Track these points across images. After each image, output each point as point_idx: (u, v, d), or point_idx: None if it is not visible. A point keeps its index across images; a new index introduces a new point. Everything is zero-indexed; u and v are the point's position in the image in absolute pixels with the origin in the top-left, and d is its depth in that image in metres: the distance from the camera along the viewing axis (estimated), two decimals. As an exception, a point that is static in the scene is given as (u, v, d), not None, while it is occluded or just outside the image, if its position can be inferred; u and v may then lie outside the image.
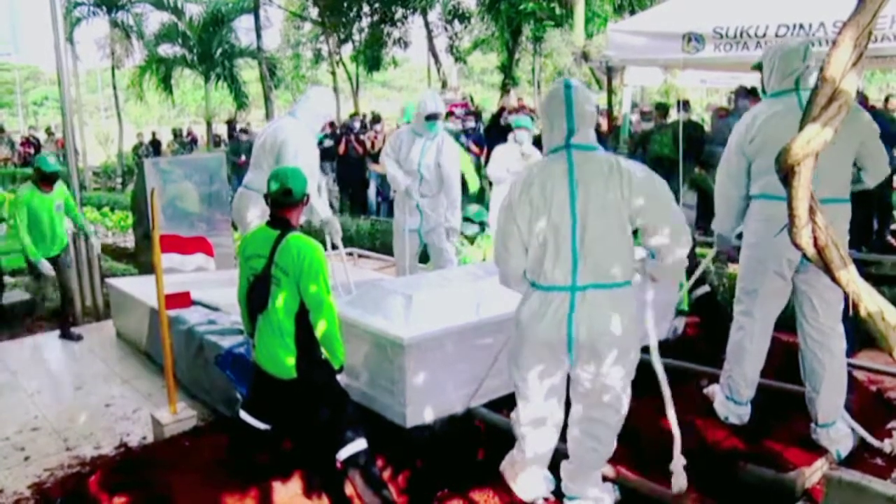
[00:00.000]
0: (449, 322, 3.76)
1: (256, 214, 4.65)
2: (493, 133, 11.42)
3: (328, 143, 12.07)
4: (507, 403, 3.67)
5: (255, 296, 3.41)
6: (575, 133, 2.93)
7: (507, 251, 3.04)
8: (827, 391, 3.61)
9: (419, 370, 3.62)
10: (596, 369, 2.97)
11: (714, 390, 4.09)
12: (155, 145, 20.22)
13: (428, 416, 3.70)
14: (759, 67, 3.77)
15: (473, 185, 7.81)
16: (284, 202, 3.37)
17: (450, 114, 13.38)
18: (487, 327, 3.87)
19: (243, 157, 12.61)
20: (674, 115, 10.22)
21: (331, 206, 5.87)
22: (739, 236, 3.99)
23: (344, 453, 3.27)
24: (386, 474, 3.46)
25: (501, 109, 12.55)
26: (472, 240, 6.04)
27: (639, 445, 3.57)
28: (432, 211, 5.72)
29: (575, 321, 2.91)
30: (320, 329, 3.28)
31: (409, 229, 5.76)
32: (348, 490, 3.39)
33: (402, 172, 5.67)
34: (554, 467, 3.35)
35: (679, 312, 5.09)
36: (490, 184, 7.69)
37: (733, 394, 3.90)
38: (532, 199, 2.92)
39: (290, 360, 3.32)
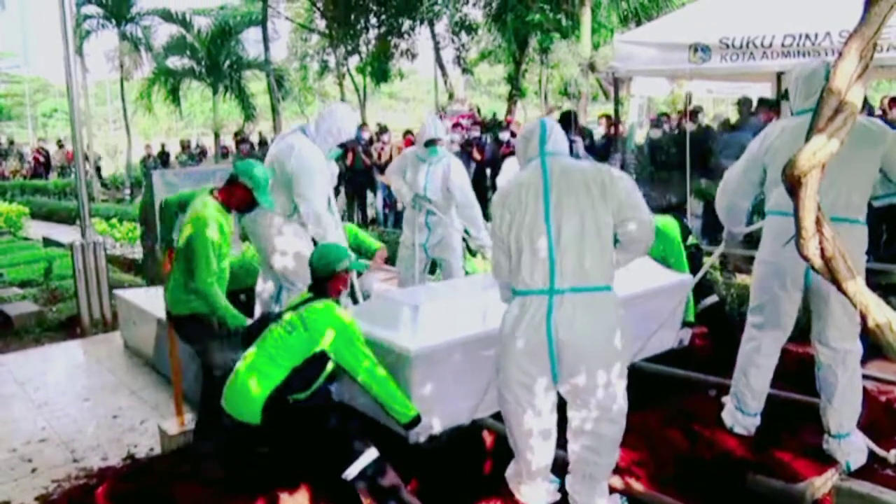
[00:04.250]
0: (456, 333, 3.75)
1: (269, 225, 4.62)
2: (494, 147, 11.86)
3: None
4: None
5: (253, 331, 3.56)
6: (547, 142, 3.10)
7: (499, 263, 3.15)
8: (840, 402, 3.59)
9: (426, 381, 3.61)
10: (583, 379, 2.95)
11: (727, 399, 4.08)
12: (163, 157, 20.34)
13: (435, 427, 3.69)
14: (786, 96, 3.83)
15: None
16: (313, 276, 3.59)
17: (457, 125, 13.70)
18: (494, 338, 3.84)
19: None
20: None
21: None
22: (747, 241, 4.00)
23: (353, 471, 3.24)
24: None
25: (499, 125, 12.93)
26: (473, 253, 6.09)
27: (647, 457, 3.56)
28: (440, 227, 5.77)
29: (553, 325, 2.91)
30: (377, 395, 3.37)
31: (417, 244, 5.83)
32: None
33: (406, 187, 5.72)
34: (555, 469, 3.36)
35: (685, 324, 5.07)
36: None
37: (741, 404, 3.90)
38: (509, 206, 3.04)
39: (257, 406, 3.32)
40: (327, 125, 4.66)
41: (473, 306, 3.97)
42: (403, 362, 3.59)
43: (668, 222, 5.07)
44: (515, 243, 3.01)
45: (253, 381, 3.34)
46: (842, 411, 3.60)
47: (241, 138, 15.96)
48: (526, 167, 3.14)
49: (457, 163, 5.73)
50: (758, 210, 3.83)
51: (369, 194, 13.03)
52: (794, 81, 3.67)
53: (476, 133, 12.60)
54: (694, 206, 7.96)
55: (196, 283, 3.69)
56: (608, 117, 10.77)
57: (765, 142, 3.62)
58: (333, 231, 4.55)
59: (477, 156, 11.86)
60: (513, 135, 12.82)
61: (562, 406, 3.16)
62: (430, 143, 5.54)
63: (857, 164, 3.38)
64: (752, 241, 4.04)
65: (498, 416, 3.86)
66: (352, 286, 4.76)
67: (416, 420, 3.42)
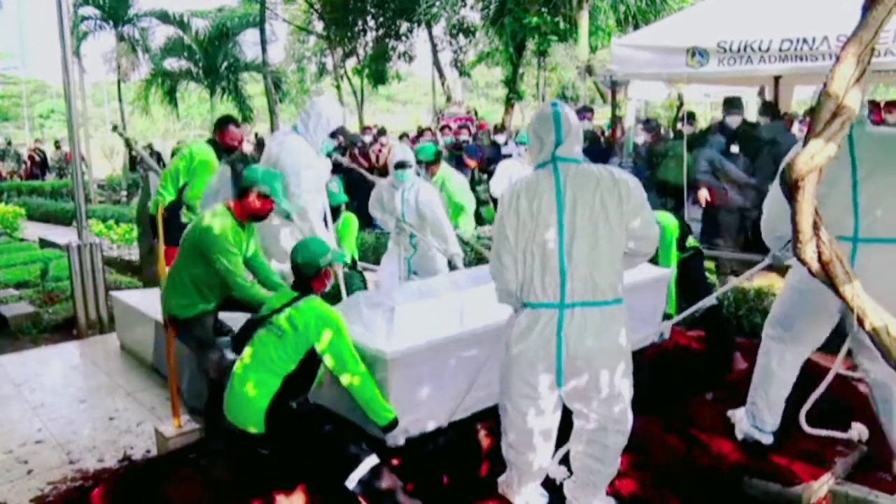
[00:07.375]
0: (433, 334, 3.67)
1: (268, 225, 4.64)
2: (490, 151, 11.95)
3: (337, 157, 12.26)
4: (492, 414, 3.63)
5: (241, 337, 3.52)
6: (562, 144, 2.94)
7: (501, 263, 3.01)
8: None
9: (402, 384, 3.54)
10: (592, 392, 2.93)
11: (735, 415, 3.98)
12: (156, 158, 20.31)
13: (411, 430, 3.63)
14: None
15: (470, 205, 7.88)
16: (296, 274, 3.56)
17: (446, 127, 13.77)
18: (472, 338, 3.77)
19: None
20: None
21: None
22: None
23: (354, 477, 3.23)
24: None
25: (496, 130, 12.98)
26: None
27: (644, 460, 3.56)
28: (424, 244, 6.02)
29: (564, 340, 2.87)
30: (359, 394, 3.34)
31: (402, 257, 6.13)
32: None
33: (388, 216, 6.04)
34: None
35: (666, 316, 5.07)
36: (494, 201, 7.76)
37: (757, 421, 3.77)
38: (519, 212, 2.92)
39: (259, 415, 3.32)
40: (315, 120, 4.82)
41: (451, 307, 3.90)
42: (379, 364, 3.51)
43: (664, 216, 5.04)
44: (525, 252, 2.91)
45: (251, 390, 3.33)
46: None
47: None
48: (539, 170, 2.98)
49: (426, 187, 5.99)
50: None
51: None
52: None
53: (465, 137, 12.57)
54: (692, 210, 7.95)
55: (233, 292, 3.89)
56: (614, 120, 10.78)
57: None
58: (320, 225, 4.61)
59: (470, 163, 11.86)
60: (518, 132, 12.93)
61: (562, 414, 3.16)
62: (400, 167, 5.81)
63: None
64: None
65: (476, 417, 3.85)
66: (337, 283, 4.83)
67: (394, 423, 3.41)
